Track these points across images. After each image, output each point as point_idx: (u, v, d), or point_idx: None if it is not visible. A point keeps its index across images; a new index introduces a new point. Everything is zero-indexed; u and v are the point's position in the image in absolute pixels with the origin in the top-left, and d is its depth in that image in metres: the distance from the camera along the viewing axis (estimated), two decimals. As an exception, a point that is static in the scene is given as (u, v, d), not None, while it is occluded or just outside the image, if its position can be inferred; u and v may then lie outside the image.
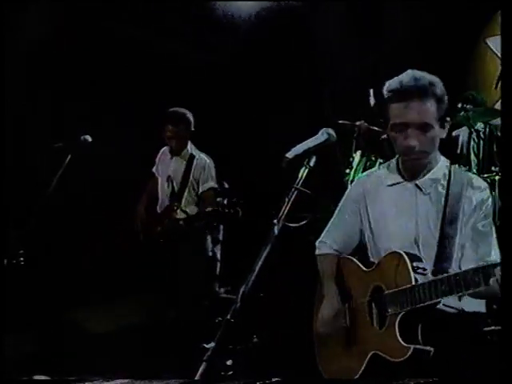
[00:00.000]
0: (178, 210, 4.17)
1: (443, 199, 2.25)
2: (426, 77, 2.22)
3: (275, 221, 2.12)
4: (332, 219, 2.54)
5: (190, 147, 4.38)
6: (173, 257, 4.18)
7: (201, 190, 4.26)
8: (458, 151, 4.89)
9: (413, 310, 2.08)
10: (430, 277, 2.15)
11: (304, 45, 5.62)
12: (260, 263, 2.05)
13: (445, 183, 2.28)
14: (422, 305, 2.07)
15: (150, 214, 4.43)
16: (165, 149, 4.52)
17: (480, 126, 4.64)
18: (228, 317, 1.96)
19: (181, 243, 4.17)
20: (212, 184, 4.27)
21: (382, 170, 2.46)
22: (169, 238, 4.18)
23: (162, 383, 2.26)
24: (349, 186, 2.59)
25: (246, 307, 2.10)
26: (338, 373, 2.30)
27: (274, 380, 1.95)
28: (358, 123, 4.31)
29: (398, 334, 2.09)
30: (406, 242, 2.26)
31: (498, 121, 4.72)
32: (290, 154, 2.16)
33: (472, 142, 4.64)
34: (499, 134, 4.90)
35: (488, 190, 2.30)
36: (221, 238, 4.61)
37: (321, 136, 2.25)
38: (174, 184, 4.35)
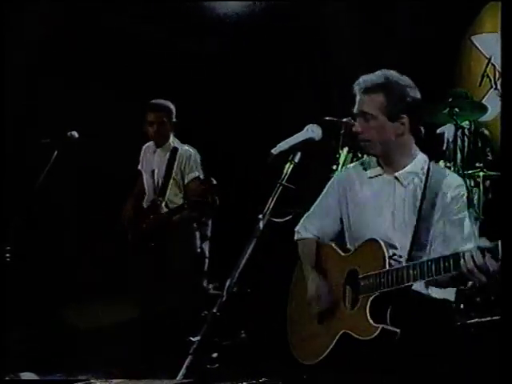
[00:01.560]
0: (163, 204, 4.16)
1: (420, 192, 2.35)
2: (387, 74, 2.39)
3: (260, 216, 2.16)
4: (313, 206, 2.62)
5: (173, 140, 4.34)
6: (160, 253, 4.18)
7: (186, 181, 4.22)
8: (444, 147, 4.93)
9: (384, 294, 2.18)
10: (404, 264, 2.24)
11: (309, 44, 5.61)
12: (245, 258, 2.09)
13: (423, 177, 2.38)
14: (393, 288, 2.16)
15: (137, 212, 4.42)
16: (147, 144, 4.49)
17: (465, 122, 4.69)
18: (214, 310, 1.99)
19: (167, 239, 4.15)
20: (197, 174, 4.22)
21: (364, 162, 2.55)
22: (155, 234, 4.18)
23: (156, 383, 2.28)
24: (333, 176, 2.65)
25: (233, 302, 2.13)
26: (308, 350, 2.40)
27: (261, 380, 1.99)
28: (344, 120, 4.34)
29: (368, 314, 2.19)
30: (382, 231, 2.36)
31: (482, 117, 4.79)
32: (275, 150, 2.21)
33: (457, 139, 4.68)
34: (484, 130, 4.96)
35: (464, 187, 2.40)
36: (209, 234, 4.61)
37: (306, 132, 2.31)
38: (159, 178, 4.31)
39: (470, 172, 4.46)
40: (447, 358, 2.25)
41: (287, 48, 5.56)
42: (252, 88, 5.58)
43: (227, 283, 2.04)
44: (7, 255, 3.52)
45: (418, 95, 2.41)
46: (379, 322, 2.16)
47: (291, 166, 2.24)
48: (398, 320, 2.17)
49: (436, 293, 2.32)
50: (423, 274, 2.10)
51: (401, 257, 2.25)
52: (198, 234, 4.42)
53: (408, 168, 2.40)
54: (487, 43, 5.43)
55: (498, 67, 4.72)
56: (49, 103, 5.31)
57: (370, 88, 2.37)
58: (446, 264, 2.05)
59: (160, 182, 4.28)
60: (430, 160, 2.46)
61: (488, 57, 4.89)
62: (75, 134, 4.03)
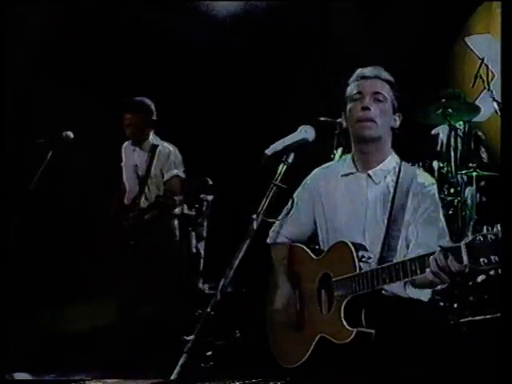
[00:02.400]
0: (141, 202, 4.12)
1: (392, 191, 2.37)
2: (384, 70, 2.48)
3: (254, 216, 2.18)
4: (285, 209, 2.58)
5: (153, 138, 4.30)
6: (140, 251, 4.11)
7: (165, 179, 4.18)
8: (438, 148, 4.96)
9: (357, 296, 2.20)
10: (375, 266, 2.25)
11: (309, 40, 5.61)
12: (239, 257, 2.10)
13: (394, 176, 2.40)
14: (365, 291, 2.18)
15: (119, 210, 4.36)
16: (126, 143, 4.45)
17: (458, 123, 4.72)
18: (208, 309, 2.01)
19: (146, 237, 4.10)
20: (176, 172, 4.19)
21: (339, 162, 2.58)
22: (135, 232, 4.12)
23: (150, 383, 2.30)
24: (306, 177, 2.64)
25: (227, 302, 2.14)
26: (288, 356, 2.41)
27: (254, 380, 2.01)
28: (338, 120, 4.35)
29: (342, 317, 2.20)
30: (355, 230, 2.37)
31: (476, 118, 4.82)
32: (268, 151, 2.22)
33: (451, 140, 4.71)
34: (477, 131, 4.99)
35: (434, 186, 2.42)
36: (205, 234, 4.62)
37: (299, 133, 2.31)
38: (139, 176, 4.28)
39: (463, 172, 4.49)
40: (424, 357, 2.26)
41: (281, 47, 5.57)
42: (246, 89, 5.59)
43: (221, 283, 2.06)
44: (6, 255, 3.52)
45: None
46: (354, 325, 2.18)
47: (285, 166, 2.25)
48: (372, 321, 2.19)
49: (411, 293, 2.33)
50: (392, 277, 2.12)
51: (370, 258, 2.26)
52: (194, 234, 4.41)
53: (381, 166, 2.42)
54: (480, 44, 5.46)
55: (491, 68, 4.74)
56: (44, 103, 5.32)
57: (378, 77, 2.42)
58: (413, 267, 2.07)
59: (140, 180, 4.24)
60: (402, 160, 2.48)
61: (481, 58, 4.91)
62: (70, 134, 4.04)
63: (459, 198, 4.43)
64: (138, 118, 4.22)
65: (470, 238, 1.92)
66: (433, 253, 2.03)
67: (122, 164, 4.47)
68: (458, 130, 4.66)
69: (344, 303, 2.22)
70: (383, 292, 2.27)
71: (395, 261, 2.23)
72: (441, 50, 5.51)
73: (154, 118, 4.29)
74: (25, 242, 4.89)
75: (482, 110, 4.69)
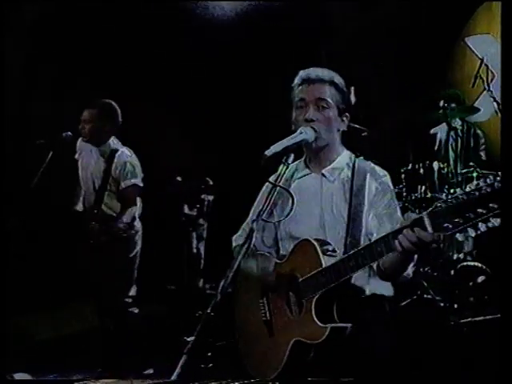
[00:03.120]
0: (102, 209, 3.94)
1: (347, 186, 2.37)
2: (331, 72, 2.43)
3: (254, 217, 2.17)
4: (249, 216, 2.58)
5: (113, 141, 4.09)
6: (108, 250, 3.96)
7: (121, 188, 3.97)
8: (437, 148, 4.97)
9: (327, 292, 2.16)
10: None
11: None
12: (239, 258, 2.10)
13: (349, 172, 2.40)
14: (334, 284, 2.14)
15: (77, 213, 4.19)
16: (83, 141, 4.15)
17: (458, 123, 4.73)
18: (208, 310, 2.00)
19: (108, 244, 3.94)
20: (133, 181, 3.98)
21: (293, 166, 2.51)
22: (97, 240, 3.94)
23: (146, 383, 2.29)
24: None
25: (227, 303, 2.14)
26: (263, 365, 2.33)
27: (253, 380, 2.00)
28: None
29: (314, 316, 2.16)
30: (313, 228, 2.35)
31: (475, 118, 4.83)
32: (268, 152, 2.21)
33: (450, 139, 4.72)
34: (477, 130, 5.00)
35: (387, 177, 2.41)
36: (205, 234, 4.62)
37: (299, 134, 2.32)
38: (94, 179, 4.08)
39: (463, 172, 4.49)
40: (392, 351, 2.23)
41: (281, 47, 5.58)
42: (247, 89, 5.60)
43: (221, 284, 2.05)
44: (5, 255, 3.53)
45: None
46: (327, 322, 2.14)
47: (285, 167, 2.25)
48: (344, 314, 2.17)
49: (374, 288, 2.32)
50: (359, 263, 2.09)
51: (335, 251, 2.24)
52: (194, 235, 4.40)
53: (334, 164, 2.42)
54: (480, 44, 5.46)
55: (491, 68, 4.75)
56: (44, 104, 5.32)
57: (322, 79, 2.38)
58: (379, 248, 2.05)
59: (96, 184, 4.06)
60: (357, 156, 2.48)
61: (481, 58, 4.92)
62: (70, 134, 4.04)
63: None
64: (97, 115, 4.02)
65: (433, 206, 1.93)
66: (396, 231, 2.03)
67: (77, 157, 4.19)
68: (458, 130, 4.67)
69: (314, 301, 2.17)
70: (349, 285, 2.24)
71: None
72: (441, 50, 5.51)
73: (119, 120, 4.09)
74: (24, 241, 4.90)
75: (482, 110, 4.70)
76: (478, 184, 1.81)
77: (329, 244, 2.27)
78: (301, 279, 2.24)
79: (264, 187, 2.52)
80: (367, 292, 2.33)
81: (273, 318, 2.34)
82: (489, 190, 1.78)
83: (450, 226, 1.87)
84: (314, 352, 2.17)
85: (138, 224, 4.07)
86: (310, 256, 2.23)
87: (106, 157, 4.06)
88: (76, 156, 4.20)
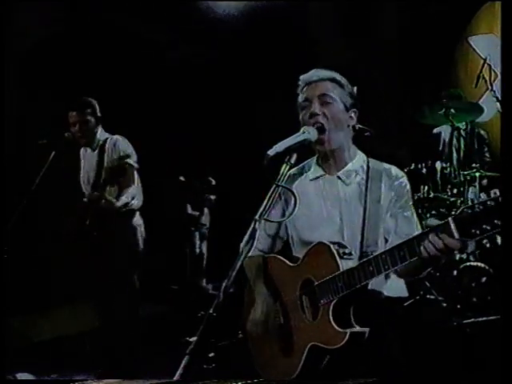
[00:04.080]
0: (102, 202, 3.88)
1: (364, 188, 2.34)
2: (333, 72, 2.42)
3: (257, 217, 2.17)
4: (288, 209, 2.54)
5: (101, 134, 4.12)
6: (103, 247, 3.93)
7: (115, 169, 3.95)
8: (440, 148, 4.96)
9: (344, 296, 2.13)
10: (357, 261, 2.20)
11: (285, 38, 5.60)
12: (242, 258, 2.09)
13: (364, 175, 2.37)
14: (352, 289, 2.11)
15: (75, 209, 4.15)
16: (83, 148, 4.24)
17: (461, 123, 4.72)
18: (210, 311, 1.99)
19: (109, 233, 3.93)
20: (128, 161, 3.96)
21: (305, 166, 2.49)
22: (98, 230, 3.91)
23: (148, 383, 2.28)
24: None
25: (230, 303, 2.14)
26: (279, 372, 2.29)
27: (256, 380, 1.98)
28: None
29: (332, 321, 2.12)
30: (331, 231, 2.32)
31: (479, 118, 4.81)
32: (271, 152, 2.19)
33: (453, 139, 4.71)
34: (480, 131, 4.99)
35: (405, 178, 2.39)
36: (207, 234, 4.62)
37: (302, 134, 2.30)
38: (89, 173, 4.12)
39: (466, 172, 4.48)
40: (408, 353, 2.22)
41: (281, 47, 5.58)
42: (249, 89, 5.60)
43: (224, 284, 2.04)
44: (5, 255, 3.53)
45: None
46: (345, 327, 2.11)
47: (287, 167, 2.23)
48: (362, 319, 2.13)
49: (390, 291, 2.30)
50: (379, 268, 2.06)
51: (351, 254, 2.20)
52: (197, 234, 4.39)
53: (349, 166, 2.39)
54: (483, 44, 5.46)
55: (494, 68, 4.74)
56: (46, 104, 5.33)
57: (322, 78, 2.37)
58: (401, 253, 2.02)
59: (92, 178, 4.08)
60: (368, 157, 2.45)
61: (484, 58, 4.91)
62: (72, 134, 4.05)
63: (462, 199, 4.42)
64: (82, 115, 4.05)
65: (458, 212, 1.90)
66: (420, 235, 2.00)
67: (82, 165, 4.28)
68: (461, 130, 4.66)
69: (331, 306, 2.14)
70: (366, 288, 2.20)
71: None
72: (444, 50, 5.51)
73: (98, 114, 4.12)
74: (24, 242, 4.90)
75: (485, 110, 4.69)
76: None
77: (345, 247, 2.24)
78: (316, 283, 2.21)
79: (270, 191, 2.45)
80: (384, 294, 2.31)
81: (287, 322, 2.31)
82: None
83: (478, 232, 1.84)
84: (329, 356, 2.14)
85: (139, 220, 4.06)
86: (326, 259, 2.19)
87: (97, 149, 4.07)
88: (82, 164, 4.25)
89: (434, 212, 4.45)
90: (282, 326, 2.32)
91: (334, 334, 2.11)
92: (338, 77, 2.40)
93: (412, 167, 4.55)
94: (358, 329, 2.11)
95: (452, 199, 4.45)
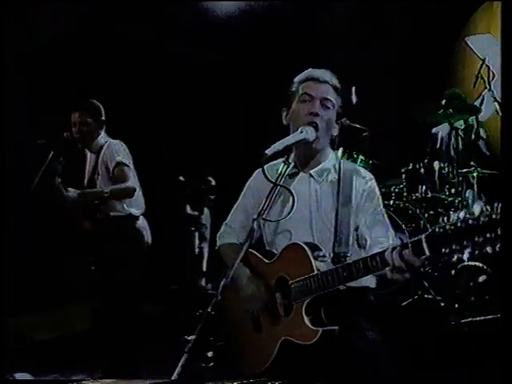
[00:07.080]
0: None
1: (335, 187, 2.38)
2: (331, 73, 2.44)
3: (255, 216, 2.18)
4: (232, 212, 2.59)
5: (102, 137, 4.09)
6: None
7: (110, 169, 3.96)
8: (438, 147, 4.98)
9: (316, 296, 2.18)
10: (330, 263, 2.24)
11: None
12: (240, 258, 2.11)
13: (335, 174, 2.41)
14: (326, 291, 2.16)
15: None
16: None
17: (459, 123, 4.73)
18: (209, 309, 2.01)
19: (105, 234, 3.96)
20: (118, 159, 3.94)
21: (282, 162, 2.44)
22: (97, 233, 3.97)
23: (150, 383, 2.29)
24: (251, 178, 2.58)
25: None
26: (252, 358, 2.34)
27: (252, 380, 2.00)
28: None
29: (305, 320, 2.18)
30: (302, 229, 2.36)
31: (478, 118, 4.83)
32: (269, 151, 2.20)
33: (451, 139, 4.72)
34: (478, 130, 5.00)
35: (373, 180, 2.42)
36: (208, 234, 4.62)
37: (300, 134, 2.31)
38: (88, 177, 4.12)
39: (464, 171, 4.49)
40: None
41: (282, 47, 5.59)
42: (248, 89, 5.61)
43: (222, 283, 2.06)
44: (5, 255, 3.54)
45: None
46: (316, 323, 2.16)
47: (285, 166, 2.25)
48: (332, 317, 2.18)
49: (359, 282, 2.27)
50: (352, 274, 2.11)
51: (325, 256, 2.25)
52: (196, 235, 4.38)
53: (322, 165, 2.42)
54: (481, 44, 5.47)
55: (492, 68, 4.75)
56: (45, 104, 5.33)
57: (327, 81, 2.39)
58: (374, 263, 2.06)
59: (88, 178, 4.09)
60: (340, 158, 2.51)
61: (482, 58, 4.92)
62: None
63: (460, 199, 4.43)
64: (83, 117, 4.04)
65: (430, 230, 1.93)
66: (393, 248, 2.02)
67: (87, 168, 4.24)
68: (459, 130, 4.67)
69: (305, 305, 2.19)
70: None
71: (349, 255, 2.26)
72: (442, 50, 5.52)
73: (102, 118, 4.11)
74: (24, 241, 4.91)
75: (483, 110, 4.70)
76: (481, 211, 1.82)
77: (320, 249, 2.27)
78: (291, 282, 2.25)
79: (246, 185, 2.54)
80: (352, 286, 2.30)
81: (261, 314, 2.35)
82: (486, 219, 1.80)
83: (447, 251, 1.88)
84: (302, 352, 2.18)
85: (143, 222, 4.07)
86: (301, 260, 2.23)
87: (96, 152, 4.07)
88: (86, 167, 4.23)
89: (432, 212, 4.46)
90: (256, 319, 2.36)
91: (306, 332, 2.17)
92: (338, 83, 2.43)
93: (410, 167, 4.57)
94: (327, 327, 2.16)
95: (450, 199, 4.46)
